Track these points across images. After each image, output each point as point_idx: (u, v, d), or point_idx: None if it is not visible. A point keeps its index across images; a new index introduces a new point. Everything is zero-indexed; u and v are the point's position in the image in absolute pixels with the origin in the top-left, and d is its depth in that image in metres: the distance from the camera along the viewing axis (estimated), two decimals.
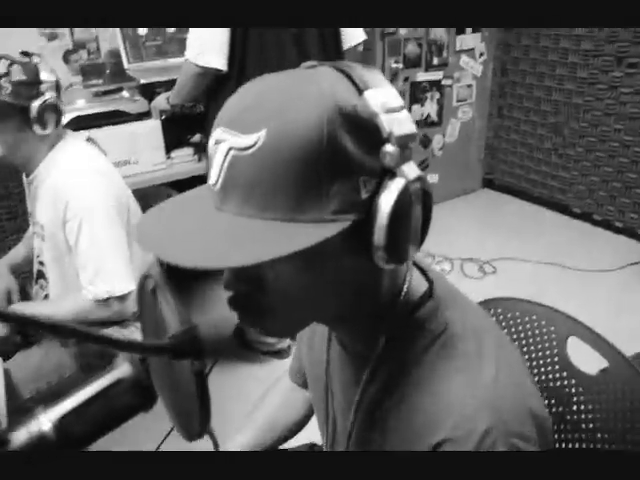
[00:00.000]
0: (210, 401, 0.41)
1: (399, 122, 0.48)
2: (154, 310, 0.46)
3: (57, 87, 1.34)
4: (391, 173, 0.48)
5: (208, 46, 1.77)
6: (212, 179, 0.50)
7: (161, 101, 2.09)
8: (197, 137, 2.35)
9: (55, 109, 1.31)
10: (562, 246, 3.02)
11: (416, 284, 0.62)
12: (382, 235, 0.48)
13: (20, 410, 1.29)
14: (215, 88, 1.88)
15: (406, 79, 3.31)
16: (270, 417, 0.96)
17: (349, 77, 0.49)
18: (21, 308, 1.42)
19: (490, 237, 3.21)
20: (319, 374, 0.76)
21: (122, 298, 1.35)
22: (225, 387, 2.08)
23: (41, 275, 1.49)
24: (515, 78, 3.57)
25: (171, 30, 2.47)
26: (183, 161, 2.19)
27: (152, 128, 2.09)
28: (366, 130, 0.47)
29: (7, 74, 1.23)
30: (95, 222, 1.32)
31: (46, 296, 1.48)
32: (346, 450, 0.69)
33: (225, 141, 0.48)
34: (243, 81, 1.74)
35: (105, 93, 2.16)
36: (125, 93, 2.20)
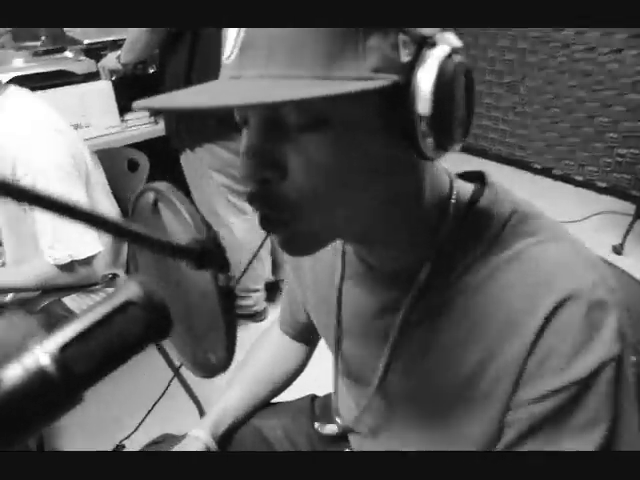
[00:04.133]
0: (237, 323, 0.36)
1: None
2: (156, 227, 0.41)
3: None
4: (432, 42, 0.42)
5: None
6: (227, 51, 0.42)
7: (111, 60, 1.92)
8: None
9: None
10: None
11: (463, 187, 0.55)
12: (427, 104, 0.40)
13: None
14: (169, 45, 1.74)
15: None
16: (260, 372, 0.90)
17: None
18: None
19: None
20: (328, 310, 0.67)
21: (87, 261, 1.24)
22: None
23: None
24: (468, 40, 3.55)
25: None
26: (139, 124, 2.03)
27: (103, 89, 1.92)
28: None
29: None
30: (50, 183, 1.18)
31: (3, 264, 1.36)
32: (378, 388, 0.61)
33: None
34: (198, 37, 1.59)
35: (46, 52, 1.97)
36: (68, 53, 2.01)
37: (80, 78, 1.93)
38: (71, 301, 1.35)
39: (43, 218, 1.20)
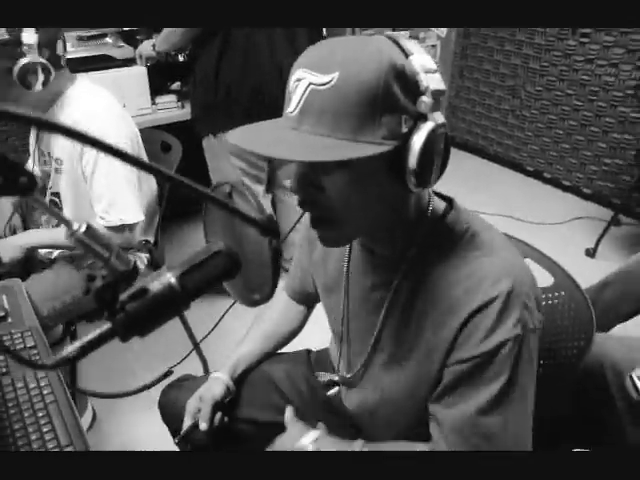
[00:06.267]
0: (280, 273, 0.55)
1: (434, 80, 0.64)
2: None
3: (49, 44, 1.34)
4: (425, 117, 0.65)
5: None
6: (291, 107, 0.66)
7: (146, 47, 2.13)
8: (177, 85, 2.43)
9: (41, 69, 1.31)
10: (514, 200, 3.27)
11: (437, 204, 0.80)
12: (415, 160, 0.64)
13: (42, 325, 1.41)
14: (202, 41, 1.93)
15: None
16: (269, 329, 1.14)
17: (398, 44, 0.65)
18: (31, 235, 1.54)
19: (447, 190, 3.35)
20: (336, 282, 0.91)
21: (132, 227, 1.48)
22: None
23: (55, 205, 1.58)
24: (477, 41, 3.75)
25: None
26: (167, 107, 2.26)
27: (138, 74, 2.15)
28: (410, 83, 0.63)
29: None
30: (110, 159, 1.41)
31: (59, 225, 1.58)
32: (374, 344, 0.85)
33: (305, 79, 0.64)
34: (229, 36, 2.00)
35: (90, 38, 2.18)
36: (108, 39, 2.23)
37: (119, 62, 2.15)
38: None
39: (100, 185, 1.43)
